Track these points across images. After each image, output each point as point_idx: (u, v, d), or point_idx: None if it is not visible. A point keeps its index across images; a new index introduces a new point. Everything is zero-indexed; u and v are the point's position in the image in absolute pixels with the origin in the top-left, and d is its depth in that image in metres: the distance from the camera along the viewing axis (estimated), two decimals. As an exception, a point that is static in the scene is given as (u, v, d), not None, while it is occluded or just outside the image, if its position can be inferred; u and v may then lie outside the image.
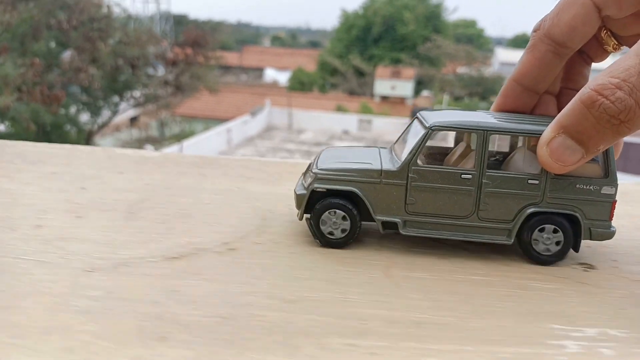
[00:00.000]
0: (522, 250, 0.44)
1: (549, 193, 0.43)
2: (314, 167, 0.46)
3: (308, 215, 0.46)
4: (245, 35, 33.47)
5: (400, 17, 19.62)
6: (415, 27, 19.45)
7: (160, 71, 11.21)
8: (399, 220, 0.44)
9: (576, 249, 0.45)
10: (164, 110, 11.66)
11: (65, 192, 0.58)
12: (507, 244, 0.44)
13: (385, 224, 0.44)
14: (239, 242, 0.46)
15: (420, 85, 17.65)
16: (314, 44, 32.36)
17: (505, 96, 0.47)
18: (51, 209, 0.52)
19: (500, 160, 0.47)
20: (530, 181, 0.43)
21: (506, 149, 0.49)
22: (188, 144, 10.61)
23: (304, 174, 0.49)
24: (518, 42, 26.46)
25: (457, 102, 14.92)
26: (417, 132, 0.45)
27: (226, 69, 17.79)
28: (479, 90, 16.14)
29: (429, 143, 0.45)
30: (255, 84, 19.73)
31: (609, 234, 0.44)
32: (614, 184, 0.43)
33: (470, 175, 0.43)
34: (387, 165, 0.44)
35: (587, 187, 0.43)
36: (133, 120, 13.10)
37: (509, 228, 0.44)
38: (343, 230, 0.44)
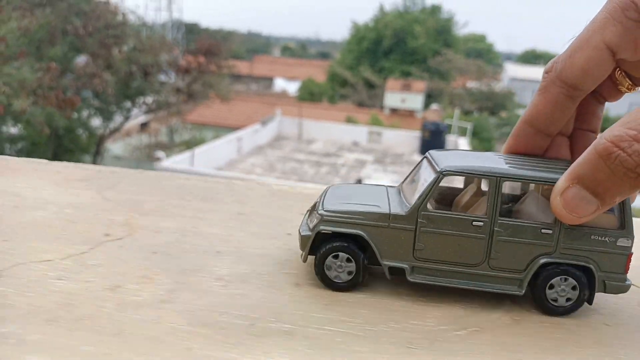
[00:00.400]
0: (534, 300, 0.43)
1: (563, 243, 0.42)
2: (320, 207, 0.44)
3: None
4: (256, 45, 33.60)
5: (411, 31, 19.72)
6: (426, 41, 19.55)
7: (172, 78, 11.24)
8: (407, 266, 0.43)
9: (590, 302, 0.43)
10: (175, 117, 11.67)
11: (275, 239, 0.56)
12: (518, 295, 0.43)
13: (392, 270, 0.43)
14: (483, 321, 0.43)
15: (430, 98, 17.70)
16: (323, 55, 32.44)
17: (516, 138, 0.46)
18: (288, 261, 0.50)
19: (512, 207, 0.45)
20: (543, 230, 0.41)
21: (517, 191, 0.47)
22: (199, 151, 10.61)
23: (310, 211, 0.47)
24: (527, 57, 26.59)
25: (466, 116, 14.94)
26: (426, 174, 0.44)
27: (236, 77, 17.87)
28: (489, 105, 16.18)
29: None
30: (265, 93, 19.79)
31: (624, 288, 0.43)
32: (630, 236, 0.42)
33: (482, 223, 0.42)
34: (396, 209, 0.43)
35: (603, 238, 0.41)
36: (143, 126, 13.12)
37: (521, 278, 0.42)
38: (349, 274, 0.43)
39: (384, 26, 20.12)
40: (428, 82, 17.45)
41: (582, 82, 0.41)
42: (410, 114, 16.85)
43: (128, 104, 10.50)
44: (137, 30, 10.78)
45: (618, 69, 0.43)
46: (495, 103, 16.13)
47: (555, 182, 0.39)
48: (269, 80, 22.58)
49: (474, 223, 0.41)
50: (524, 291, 0.42)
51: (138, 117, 11.62)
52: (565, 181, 0.38)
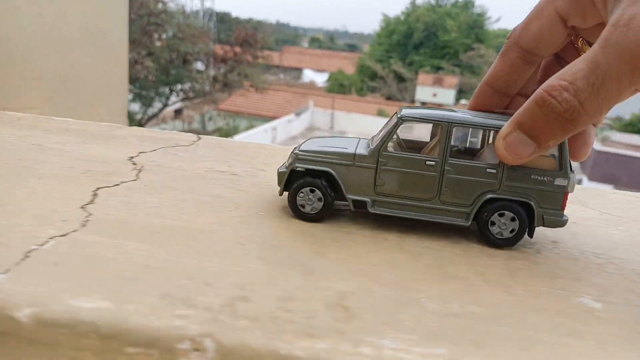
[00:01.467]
0: (480, 233, 0.48)
1: (506, 182, 0.46)
2: (297, 149, 0.50)
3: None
4: (284, 36, 33.48)
5: (443, 25, 19.63)
6: (458, 35, 19.46)
7: (209, 67, 11.39)
8: (369, 200, 0.48)
9: (530, 235, 0.48)
10: (209, 105, 11.86)
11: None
12: (465, 226, 0.49)
13: (355, 203, 0.48)
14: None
15: (460, 93, 17.66)
16: (351, 47, 32.25)
17: (477, 98, 0.50)
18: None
19: (462, 150, 0.51)
20: (488, 170, 0.47)
21: (478, 142, 0.51)
22: (237, 138, 10.82)
23: (290, 156, 0.52)
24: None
25: (497, 112, 14.86)
26: (390, 122, 0.49)
27: (267, 67, 18.03)
28: (520, 102, 16.03)
29: (409, 137, 0.49)
30: (295, 84, 19.94)
31: (561, 222, 0.47)
32: (566, 176, 0.46)
33: (433, 162, 0.47)
34: (361, 150, 0.48)
35: (541, 178, 0.46)
36: (177, 113, 13.34)
37: (468, 212, 0.47)
38: (316, 207, 0.48)
39: (415, 19, 20.06)
40: (459, 76, 17.40)
41: (536, 47, 0.46)
42: (440, 108, 16.77)
43: (166, 90, 10.74)
44: (176, 18, 10.95)
45: (579, 36, 0.46)
46: (527, 99, 15.98)
47: (500, 128, 0.44)
48: (298, 71, 22.70)
49: (427, 162, 0.47)
50: (470, 223, 0.47)
51: (174, 104, 11.85)
52: (508, 127, 0.42)
